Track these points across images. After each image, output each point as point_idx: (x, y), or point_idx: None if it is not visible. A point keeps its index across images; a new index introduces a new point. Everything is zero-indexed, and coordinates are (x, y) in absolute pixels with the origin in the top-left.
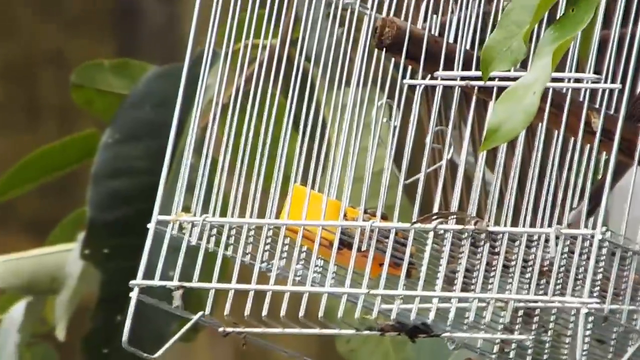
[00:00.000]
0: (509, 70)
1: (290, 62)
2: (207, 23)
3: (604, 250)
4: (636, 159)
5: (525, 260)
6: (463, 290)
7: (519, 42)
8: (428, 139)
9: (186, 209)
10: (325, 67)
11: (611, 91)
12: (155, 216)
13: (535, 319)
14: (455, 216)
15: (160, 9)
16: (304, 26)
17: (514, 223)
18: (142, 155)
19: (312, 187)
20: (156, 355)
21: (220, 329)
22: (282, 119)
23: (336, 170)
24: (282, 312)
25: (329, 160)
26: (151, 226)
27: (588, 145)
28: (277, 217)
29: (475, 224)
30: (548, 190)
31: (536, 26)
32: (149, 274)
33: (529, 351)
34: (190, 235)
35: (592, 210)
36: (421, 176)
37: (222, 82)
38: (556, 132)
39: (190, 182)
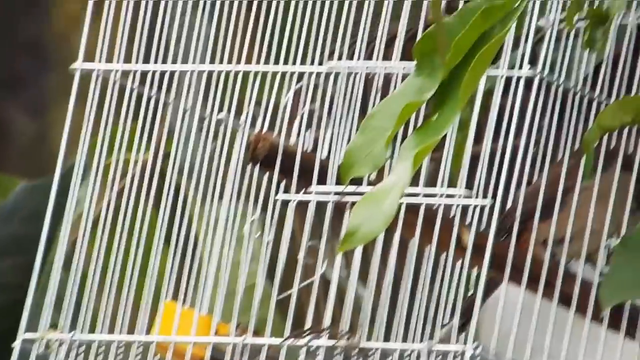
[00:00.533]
0: (369, 175)
1: (162, 176)
2: (79, 137)
3: None
4: (506, 274)
5: None
6: None
7: (380, 147)
8: (301, 254)
9: (55, 326)
10: (198, 182)
11: (482, 207)
12: (22, 334)
13: None
14: (327, 332)
15: (30, 124)
16: (176, 140)
17: (387, 338)
18: (10, 271)
19: (183, 303)
20: None
21: None
22: (154, 234)
23: (208, 286)
24: None
25: (200, 276)
26: (16, 345)
27: (460, 261)
28: (148, 333)
29: (348, 339)
30: (420, 305)
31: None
32: None
33: None
34: (57, 354)
35: (464, 325)
36: (294, 291)
37: (93, 196)
38: (428, 247)
39: (60, 298)
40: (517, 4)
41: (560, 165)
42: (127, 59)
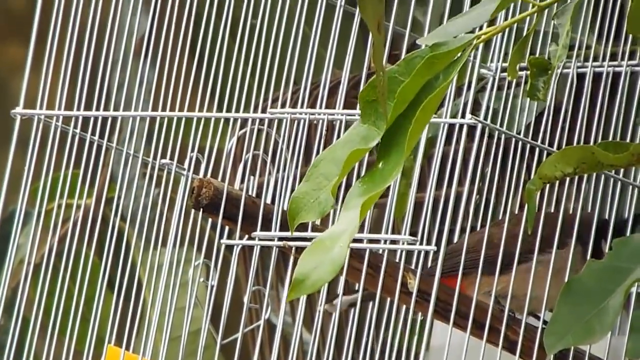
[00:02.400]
0: (316, 221)
1: (105, 222)
2: (20, 181)
3: None
4: (452, 320)
5: None
6: None
7: (327, 194)
8: (246, 299)
9: None
10: (141, 227)
11: (426, 252)
12: None
13: None
14: None
15: None
16: (119, 186)
17: None
18: None
19: (127, 348)
20: None
21: None
22: (96, 279)
23: (152, 331)
24: None
25: (144, 321)
26: None
27: (404, 306)
28: None
29: None
30: (365, 350)
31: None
32: None
33: None
34: None
35: None
36: (239, 336)
37: (35, 241)
38: (373, 292)
39: (0, 344)
40: (460, 53)
41: (501, 224)
42: (69, 106)
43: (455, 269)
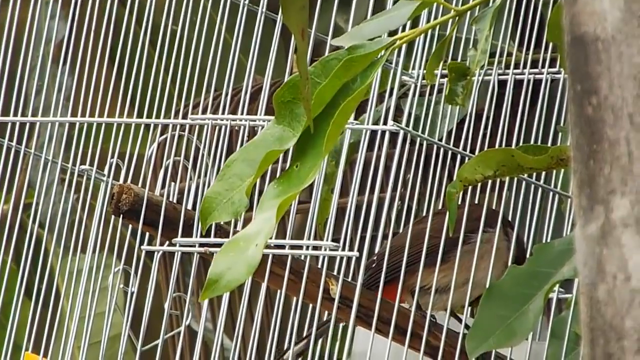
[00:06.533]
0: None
1: (22, 228)
2: None
3: None
4: (374, 326)
5: None
6: None
7: (240, 194)
8: (166, 305)
9: None
10: (60, 234)
11: (349, 258)
12: None
13: None
14: None
15: None
16: (37, 192)
17: None
18: None
19: (45, 355)
20: None
21: None
22: (14, 286)
23: (70, 337)
24: None
25: (62, 327)
26: None
27: (326, 312)
28: None
29: None
30: (287, 357)
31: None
32: None
33: None
34: None
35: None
36: (159, 342)
37: None
38: (295, 298)
39: None
40: (378, 56)
41: (425, 221)
42: None
43: (394, 273)
